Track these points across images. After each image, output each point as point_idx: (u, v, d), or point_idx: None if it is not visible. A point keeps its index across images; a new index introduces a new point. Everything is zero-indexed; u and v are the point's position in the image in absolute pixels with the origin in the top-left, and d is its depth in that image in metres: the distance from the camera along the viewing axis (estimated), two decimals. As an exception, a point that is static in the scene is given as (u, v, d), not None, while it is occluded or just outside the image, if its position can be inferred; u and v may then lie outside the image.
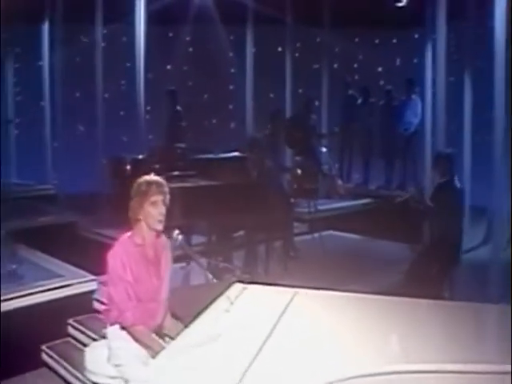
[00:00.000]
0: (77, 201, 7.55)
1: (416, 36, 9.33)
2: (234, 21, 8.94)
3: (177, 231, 2.88)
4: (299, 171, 5.90)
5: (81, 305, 4.81)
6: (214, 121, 9.66)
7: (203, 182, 5.19)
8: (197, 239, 5.62)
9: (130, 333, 2.77)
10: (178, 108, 7.63)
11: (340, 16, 8.24)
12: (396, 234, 6.88)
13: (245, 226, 5.18)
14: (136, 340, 2.76)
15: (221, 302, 2.79)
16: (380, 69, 9.63)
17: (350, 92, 8.59)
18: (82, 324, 4.68)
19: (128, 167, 7.00)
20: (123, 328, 2.79)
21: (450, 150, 4.64)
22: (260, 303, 2.76)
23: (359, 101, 8.46)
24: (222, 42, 9.27)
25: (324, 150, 7.61)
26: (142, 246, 2.82)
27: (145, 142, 8.11)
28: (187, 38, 9.73)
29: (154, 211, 2.76)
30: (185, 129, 7.63)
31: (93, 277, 4.94)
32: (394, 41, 9.69)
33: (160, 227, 2.80)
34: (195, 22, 9.02)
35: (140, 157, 7.17)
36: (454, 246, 4.26)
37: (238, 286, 3.05)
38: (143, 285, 2.77)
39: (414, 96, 7.82)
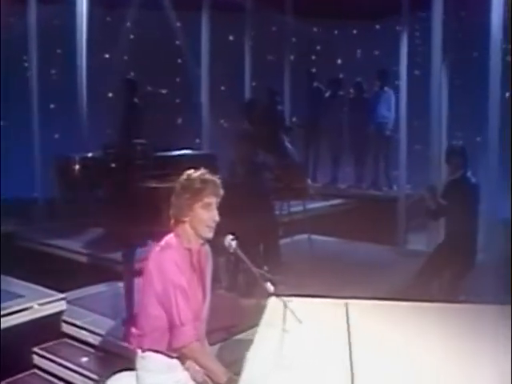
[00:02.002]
0: (14, 208, 6.93)
1: (378, 27, 9.46)
2: (186, 6, 8.61)
3: (230, 236, 2.60)
4: (288, 169, 5.70)
5: (47, 329, 4.34)
6: (173, 115, 9.26)
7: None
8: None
9: (184, 355, 2.44)
10: (136, 100, 7.19)
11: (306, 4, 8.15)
12: (373, 236, 6.89)
13: (235, 229, 4.90)
14: (194, 363, 2.43)
15: (272, 320, 2.60)
16: (340, 61, 9.66)
17: (315, 84, 8.50)
18: (50, 352, 4.23)
19: (77, 167, 6.56)
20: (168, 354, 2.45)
21: (462, 144, 4.63)
22: (317, 318, 2.56)
23: (327, 94, 8.38)
24: (173, 28, 8.91)
25: (289, 146, 7.47)
26: (190, 252, 2.52)
27: (88, 139, 7.65)
28: (128, 24, 9.26)
29: (205, 215, 2.47)
30: (143, 123, 7.21)
31: (61, 295, 4.48)
32: (355, 31, 9.76)
33: (209, 235, 2.52)
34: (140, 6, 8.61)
35: (90, 155, 6.73)
36: (469, 246, 4.24)
37: (276, 300, 2.86)
38: (192, 297, 2.47)
39: (386, 88, 7.84)
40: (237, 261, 4.67)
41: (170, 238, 2.54)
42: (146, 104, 7.63)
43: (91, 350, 4.23)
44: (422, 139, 7.78)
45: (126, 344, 4.04)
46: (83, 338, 4.26)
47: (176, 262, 2.43)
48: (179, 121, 9.62)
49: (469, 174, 4.31)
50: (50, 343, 4.30)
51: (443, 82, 6.93)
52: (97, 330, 4.25)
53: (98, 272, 5.34)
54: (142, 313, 2.49)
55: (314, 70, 8.65)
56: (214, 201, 2.48)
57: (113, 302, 4.81)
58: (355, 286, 4.88)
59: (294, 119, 8.50)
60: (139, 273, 4.68)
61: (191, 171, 2.53)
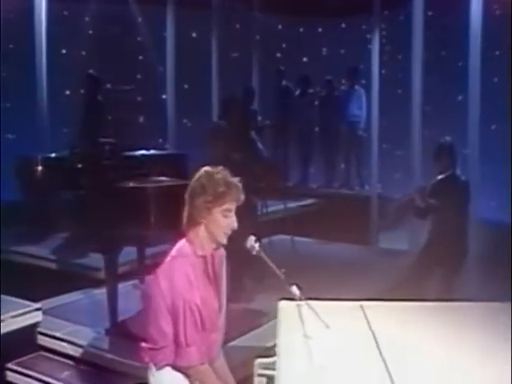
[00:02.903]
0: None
1: (344, 25, 9.51)
2: (150, 0, 8.39)
3: (253, 237, 2.46)
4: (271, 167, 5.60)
5: (21, 343, 4.08)
6: (135, 113, 8.99)
7: (169, 182, 4.67)
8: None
9: (188, 375, 2.28)
10: (99, 97, 6.92)
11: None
12: (346, 235, 6.90)
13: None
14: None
15: (291, 325, 2.52)
16: (305, 59, 9.65)
17: (284, 83, 8.44)
18: (26, 367, 3.97)
19: (40, 168, 6.26)
20: (177, 369, 2.30)
21: (452, 141, 4.65)
22: (336, 321, 2.47)
23: (297, 92, 8.33)
24: (135, 24, 8.68)
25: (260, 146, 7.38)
26: (203, 258, 2.36)
27: (48, 138, 7.35)
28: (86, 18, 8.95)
29: (224, 221, 2.31)
30: (107, 121, 6.96)
31: (36, 305, 4.22)
32: (320, 30, 9.78)
33: (224, 241, 2.36)
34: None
35: (53, 155, 6.45)
36: (460, 244, 4.27)
37: (287, 304, 2.78)
38: (207, 308, 2.31)
39: (357, 87, 7.86)
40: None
41: (181, 245, 2.35)
42: (108, 102, 7.38)
43: (72, 363, 4.00)
44: (393, 138, 7.90)
45: (111, 356, 3.88)
46: (63, 350, 4.03)
47: (188, 275, 2.25)
48: (141, 119, 9.38)
49: (458, 171, 4.33)
50: (26, 358, 4.04)
51: (416, 80, 7.04)
52: (78, 342, 4.02)
53: (70, 279, 5.09)
54: (155, 327, 2.31)
55: (282, 68, 8.56)
56: (233, 207, 2.32)
57: (91, 310, 4.59)
58: (339, 287, 4.87)
59: (262, 118, 8.39)
60: (122, 278, 4.60)
61: (212, 170, 2.35)
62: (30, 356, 4.09)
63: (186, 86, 9.21)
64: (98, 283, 5.06)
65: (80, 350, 3.98)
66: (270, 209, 6.48)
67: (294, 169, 8.38)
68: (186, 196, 2.34)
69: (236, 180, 2.33)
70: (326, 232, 6.89)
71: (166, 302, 2.25)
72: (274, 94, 8.43)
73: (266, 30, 9.26)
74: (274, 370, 2.80)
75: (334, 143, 8.08)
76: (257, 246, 2.43)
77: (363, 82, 7.92)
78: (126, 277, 4.79)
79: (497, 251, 4.97)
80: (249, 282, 4.77)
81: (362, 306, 2.77)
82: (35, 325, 4.17)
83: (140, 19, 9.08)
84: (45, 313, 4.34)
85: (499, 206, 6.42)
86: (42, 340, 4.17)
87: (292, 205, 7.47)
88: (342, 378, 2.12)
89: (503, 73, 6.18)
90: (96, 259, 5.31)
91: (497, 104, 5.53)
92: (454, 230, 4.25)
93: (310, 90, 8.33)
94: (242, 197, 2.33)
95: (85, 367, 3.94)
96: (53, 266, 5.39)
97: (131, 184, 4.58)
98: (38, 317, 4.17)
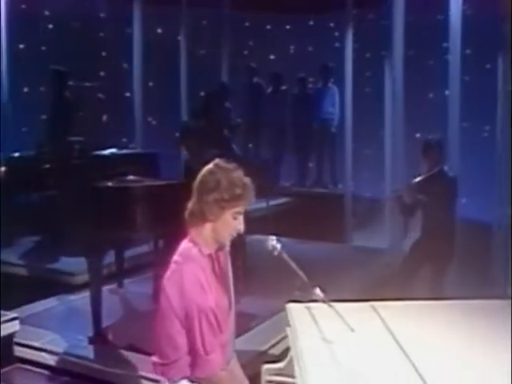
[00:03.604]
0: None
1: (311, 23, 9.49)
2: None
3: (273, 238, 2.34)
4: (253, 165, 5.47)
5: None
6: (99, 111, 8.69)
7: (146, 182, 4.49)
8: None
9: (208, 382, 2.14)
10: (67, 94, 6.64)
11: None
12: (320, 234, 6.87)
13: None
14: None
15: (306, 329, 2.44)
16: (273, 56, 9.57)
17: (256, 80, 8.34)
18: (3, 381, 3.73)
19: (2, 169, 5.96)
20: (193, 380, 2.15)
21: (439, 137, 4.64)
22: (350, 323, 2.38)
23: (269, 89, 8.24)
24: (98, 19, 8.40)
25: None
26: (210, 257, 2.21)
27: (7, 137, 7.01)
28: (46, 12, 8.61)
29: (233, 223, 2.17)
30: (75, 119, 6.69)
31: (12, 314, 3.97)
32: (288, 27, 9.72)
33: (228, 242, 2.25)
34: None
35: (16, 154, 6.16)
36: (448, 240, 4.26)
37: (296, 306, 2.69)
38: (221, 310, 2.18)
39: (330, 84, 7.84)
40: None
41: (186, 247, 2.19)
42: (74, 99, 7.11)
43: (53, 375, 3.78)
44: (366, 136, 7.92)
45: (96, 365, 3.69)
46: (43, 361, 3.79)
47: (199, 280, 2.10)
48: (105, 118, 9.09)
49: (446, 168, 4.34)
50: (2, 371, 3.78)
51: (389, 79, 7.07)
52: (59, 351, 3.80)
53: (42, 286, 4.84)
54: (165, 340, 2.15)
55: (253, 65, 8.46)
56: (243, 210, 2.19)
57: (68, 317, 4.38)
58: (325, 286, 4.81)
59: (234, 116, 8.26)
60: (106, 282, 4.40)
61: (227, 165, 2.18)
62: (6, 369, 3.83)
63: (150, 84, 8.98)
64: (72, 289, 4.86)
65: (61, 360, 3.77)
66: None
67: (267, 167, 8.27)
68: (195, 190, 2.18)
69: (249, 180, 2.18)
70: (300, 231, 6.83)
71: (177, 313, 2.10)
72: (246, 92, 8.31)
73: (234, 26, 9.15)
74: (284, 376, 2.76)
75: (307, 141, 8.03)
76: (278, 246, 2.31)
77: (333, 80, 7.93)
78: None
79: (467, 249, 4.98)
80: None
81: (373, 306, 2.70)
82: (11, 335, 3.91)
83: (103, 14, 8.82)
84: (20, 322, 4.09)
85: (468, 203, 6.50)
86: (20, 351, 3.92)
87: (264, 204, 7.38)
88: (376, 382, 2.02)
89: (475, 71, 6.27)
90: (68, 263, 5.11)
91: (474, 102, 5.58)
92: (443, 227, 4.24)
93: (283, 88, 8.25)
94: (253, 199, 2.19)
95: (67, 378, 3.73)
96: (22, 271, 5.13)
97: (108, 184, 4.40)
98: (14, 326, 3.92)
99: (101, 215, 3.95)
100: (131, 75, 8.44)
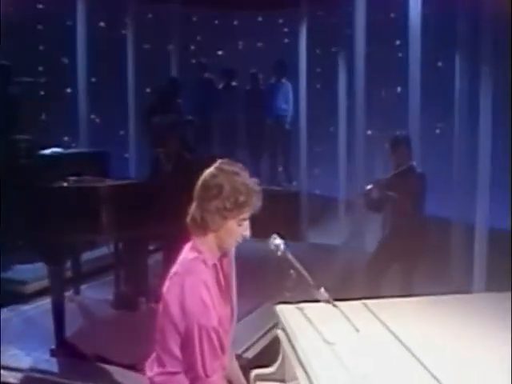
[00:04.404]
0: None
1: (260, 19, 9.45)
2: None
3: (277, 237, 2.24)
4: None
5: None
6: (40, 108, 8.27)
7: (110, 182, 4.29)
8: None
9: None
10: (11, 90, 6.27)
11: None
12: (275, 232, 6.82)
13: (161, 234, 4.46)
14: None
15: (303, 331, 2.37)
16: (221, 52, 9.46)
17: (207, 75, 8.20)
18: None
19: None
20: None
21: (408, 134, 4.69)
22: (348, 323, 2.34)
23: (220, 85, 8.12)
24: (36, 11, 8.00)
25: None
26: (214, 268, 2.09)
27: None
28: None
29: (238, 230, 2.04)
30: (19, 116, 6.33)
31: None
32: (236, 22, 9.63)
33: (233, 249, 2.14)
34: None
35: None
36: (418, 237, 4.29)
37: (286, 308, 2.63)
38: (223, 326, 2.06)
39: (284, 80, 7.81)
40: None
41: (188, 258, 2.04)
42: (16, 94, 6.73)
43: (12, 392, 3.52)
44: (322, 133, 7.96)
45: (61, 379, 3.48)
46: (3, 379, 3.53)
47: (201, 297, 1.94)
48: (44, 115, 8.68)
49: (415, 164, 4.38)
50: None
51: (342, 76, 7.14)
52: (20, 367, 3.55)
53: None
54: (166, 353, 2.02)
55: (204, 61, 8.32)
56: (248, 216, 2.06)
57: (25, 329, 4.11)
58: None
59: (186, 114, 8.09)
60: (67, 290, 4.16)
61: (230, 167, 2.05)
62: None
63: (93, 80, 8.65)
64: (25, 298, 4.59)
65: (24, 378, 3.52)
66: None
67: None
68: (196, 195, 2.04)
69: (256, 183, 2.06)
70: (254, 229, 6.75)
71: (178, 328, 1.97)
72: (196, 88, 8.16)
73: (181, 21, 8.98)
74: (274, 381, 2.69)
75: (260, 138, 7.98)
76: (282, 246, 2.22)
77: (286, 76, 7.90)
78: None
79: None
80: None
81: (366, 305, 2.67)
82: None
83: (41, 5, 8.42)
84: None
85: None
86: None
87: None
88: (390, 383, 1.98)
89: (429, 69, 6.38)
90: (19, 271, 4.82)
91: (428, 100, 5.68)
92: (413, 224, 4.28)
93: (234, 83, 8.15)
94: (260, 204, 2.05)
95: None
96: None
97: (63, 184, 4.17)
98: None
99: (61, 217, 3.73)
100: (73, 70, 8.10)
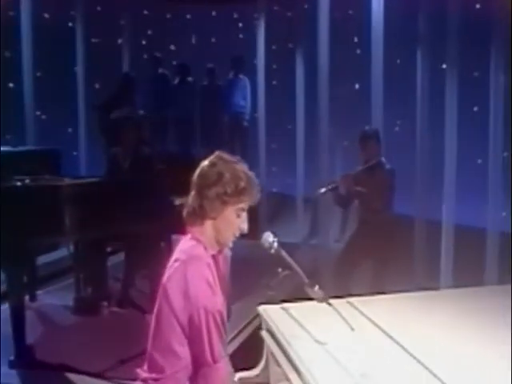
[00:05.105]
0: None
1: (214, 14, 9.36)
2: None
3: (270, 234, 2.22)
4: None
5: None
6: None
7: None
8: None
9: None
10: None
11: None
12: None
13: (123, 234, 4.34)
14: None
15: (294, 332, 2.34)
16: (173, 47, 9.31)
17: (161, 70, 8.05)
18: None
19: None
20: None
21: (377, 129, 4.72)
22: (335, 321, 2.33)
23: (175, 81, 7.99)
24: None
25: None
26: (214, 259, 2.06)
27: None
28: None
29: (236, 221, 2.03)
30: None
31: None
32: (188, 16, 9.51)
33: (230, 244, 2.11)
34: None
35: None
36: (386, 233, 4.34)
37: (270, 309, 2.61)
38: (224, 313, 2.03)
39: (241, 76, 7.76)
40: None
41: (189, 245, 2.02)
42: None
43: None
44: (280, 130, 7.94)
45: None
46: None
47: (206, 278, 1.94)
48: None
49: (384, 159, 4.43)
50: None
51: (300, 72, 7.14)
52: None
53: None
54: (161, 350, 1.96)
55: (158, 55, 8.16)
56: (247, 207, 2.06)
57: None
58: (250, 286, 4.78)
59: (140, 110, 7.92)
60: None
61: (228, 157, 2.07)
62: None
63: (38, 74, 8.34)
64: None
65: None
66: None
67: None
68: (195, 184, 2.03)
69: (254, 176, 2.07)
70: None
71: (180, 319, 1.92)
72: (150, 83, 7.99)
73: (131, 14, 8.78)
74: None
75: (217, 135, 7.90)
76: (275, 244, 2.19)
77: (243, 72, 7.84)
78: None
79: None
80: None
81: (350, 303, 2.66)
82: None
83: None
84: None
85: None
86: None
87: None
88: (389, 382, 1.97)
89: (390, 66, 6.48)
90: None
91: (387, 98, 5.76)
92: (382, 220, 4.33)
93: (190, 79, 8.04)
94: (259, 196, 2.08)
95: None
96: None
97: (17, 184, 3.99)
98: None
99: (17, 218, 3.55)
100: (17, 64, 7.77)
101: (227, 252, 2.18)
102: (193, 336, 1.93)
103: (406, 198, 5.59)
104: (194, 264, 1.95)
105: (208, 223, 2.02)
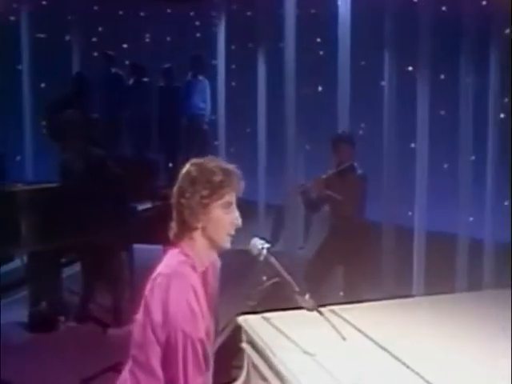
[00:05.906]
0: None
1: (169, 11, 9.25)
2: None
3: (258, 240, 2.17)
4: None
5: None
6: None
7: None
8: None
9: None
10: None
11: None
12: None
13: (74, 243, 4.24)
14: None
15: (279, 343, 2.33)
16: (126, 45, 9.16)
17: (114, 70, 7.90)
18: None
19: None
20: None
21: (350, 133, 4.76)
22: (321, 331, 2.32)
23: (130, 81, 7.85)
24: None
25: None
26: (203, 275, 1.99)
27: None
28: None
29: (226, 218, 1.96)
30: None
31: None
32: (142, 14, 9.37)
33: (228, 245, 2.03)
34: None
35: None
36: (358, 239, 4.37)
37: (254, 319, 2.58)
38: (210, 339, 1.96)
39: (201, 77, 7.70)
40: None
41: (176, 260, 1.94)
42: None
43: None
44: (241, 134, 7.90)
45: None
46: None
47: (189, 302, 1.85)
48: None
49: (355, 164, 4.47)
50: None
51: (261, 72, 7.14)
52: None
53: None
54: (144, 371, 1.89)
55: (111, 53, 8.01)
56: (234, 199, 2.00)
57: None
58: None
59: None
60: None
61: (201, 160, 2.03)
62: None
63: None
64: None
65: None
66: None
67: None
68: (173, 199, 2.00)
69: (233, 166, 2.02)
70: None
71: (159, 336, 1.86)
72: (102, 83, 7.83)
73: (80, 9, 8.59)
74: None
75: (175, 139, 7.82)
76: (265, 250, 2.16)
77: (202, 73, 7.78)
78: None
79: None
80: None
81: (334, 311, 2.66)
82: None
83: None
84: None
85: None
86: None
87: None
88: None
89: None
90: None
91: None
92: (353, 226, 4.37)
93: (145, 79, 7.92)
94: (243, 185, 2.01)
95: None
96: None
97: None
98: None
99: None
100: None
101: (217, 263, 2.13)
102: (168, 360, 1.85)
103: (374, 204, 5.69)
104: (177, 282, 1.88)
105: (197, 234, 1.96)
